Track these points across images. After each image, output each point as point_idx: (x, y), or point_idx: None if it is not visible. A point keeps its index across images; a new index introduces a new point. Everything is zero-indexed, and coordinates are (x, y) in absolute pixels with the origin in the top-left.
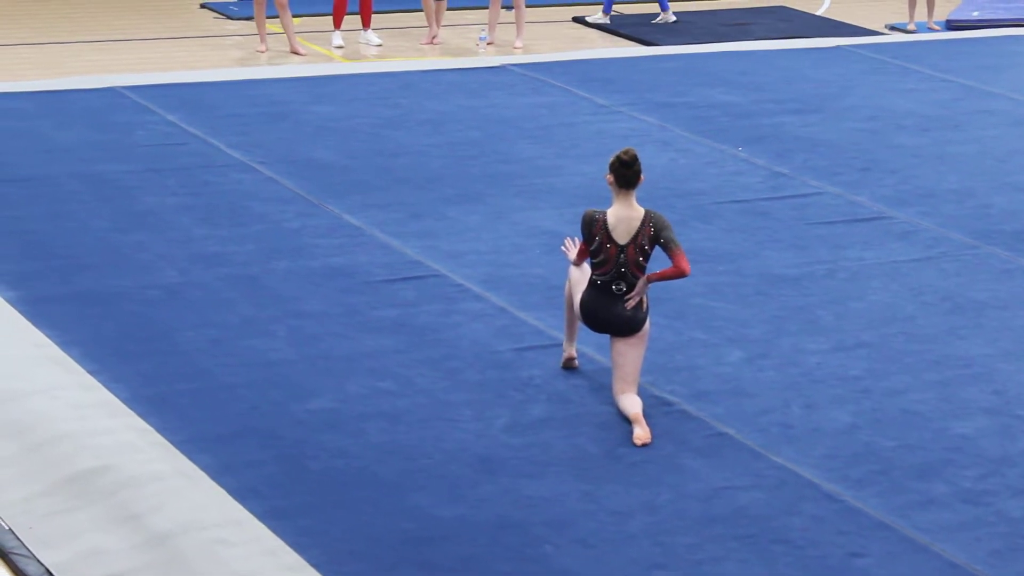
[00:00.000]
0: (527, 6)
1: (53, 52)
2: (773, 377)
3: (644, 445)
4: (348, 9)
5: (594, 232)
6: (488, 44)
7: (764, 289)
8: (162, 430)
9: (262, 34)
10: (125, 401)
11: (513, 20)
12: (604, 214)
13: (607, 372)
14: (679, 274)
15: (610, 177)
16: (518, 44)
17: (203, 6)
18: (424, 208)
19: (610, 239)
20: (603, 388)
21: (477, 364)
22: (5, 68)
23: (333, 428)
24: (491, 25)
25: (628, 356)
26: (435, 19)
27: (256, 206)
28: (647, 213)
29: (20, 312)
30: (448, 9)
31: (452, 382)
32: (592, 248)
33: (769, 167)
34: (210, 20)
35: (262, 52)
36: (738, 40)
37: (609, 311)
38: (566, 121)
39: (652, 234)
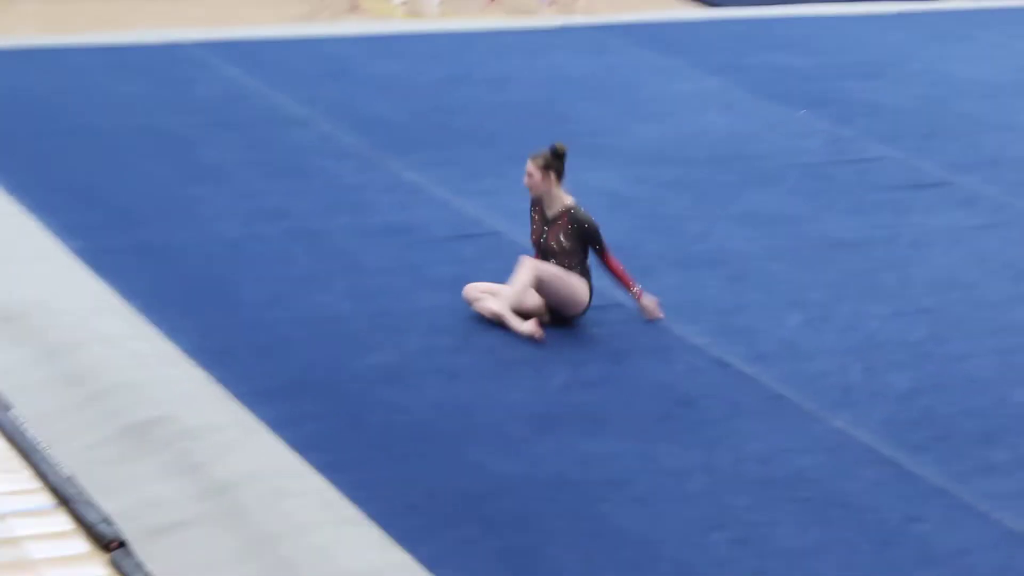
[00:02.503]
0: None
1: (115, 6)
2: (833, 341)
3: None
4: None
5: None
6: (550, 4)
7: (825, 253)
8: (223, 382)
9: None
10: (186, 352)
11: None
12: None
13: (666, 332)
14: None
15: (549, 173)
16: (580, 3)
17: None
18: (484, 166)
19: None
20: (662, 349)
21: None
22: (67, 23)
23: (392, 383)
24: None
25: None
26: None
27: (317, 161)
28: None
29: (83, 262)
30: None
31: (510, 339)
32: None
33: (831, 131)
34: None
35: (325, 8)
36: (803, 3)
37: None
38: (628, 81)
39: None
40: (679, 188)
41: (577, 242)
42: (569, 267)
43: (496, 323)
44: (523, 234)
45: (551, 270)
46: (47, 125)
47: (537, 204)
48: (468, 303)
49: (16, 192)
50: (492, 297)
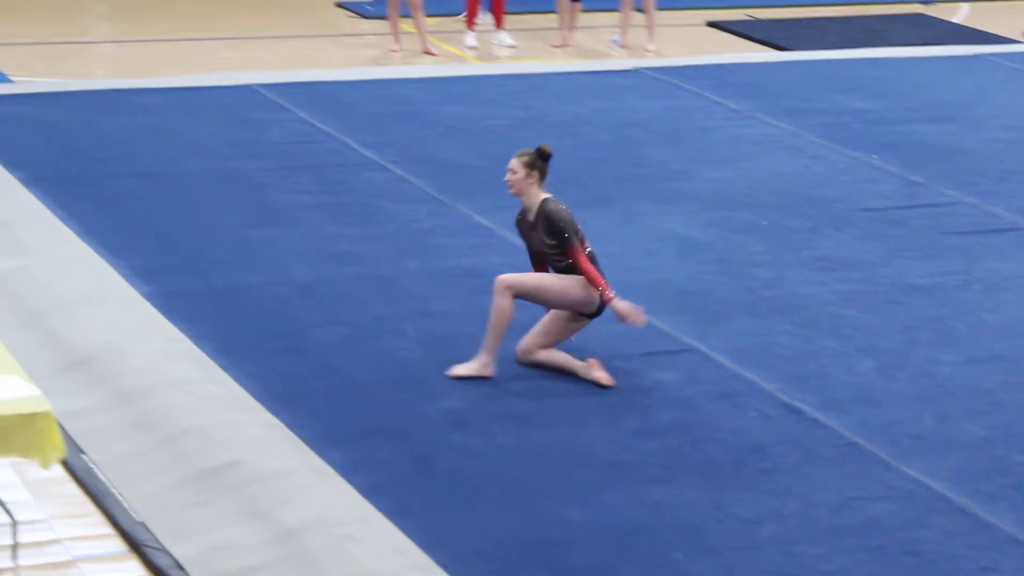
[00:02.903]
0: (659, 9)
1: (188, 49)
2: (905, 388)
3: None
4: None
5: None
6: (620, 47)
7: (897, 298)
8: (292, 426)
9: (396, 34)
10: (256, 396)
11: (645, 23)
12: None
13: (737, 379)
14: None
15: (535, 174)
16: (650, 47)
17: (338, 5)
18: None
19: None
20: (732, 396)
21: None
22: (141, 64)
23: (462, 428)
24: (623, 28)
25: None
26: (569, 22)
27: (388, 205)
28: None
29: (154, 306)
30: (581, 11)
31: (580, 386)
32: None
33: (903, 175)
34: (344, 19)
35: (395, 52)
36: (873, 46)
37: None
38: (698, 125)
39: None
40: (749, 233)
41: (557, 237)
42: (569, 268)
43: (565, 372)
44: None
45: (528, 281)
46: (120, 167)
47: (522, 217)
48: (524, 356)
49: (89, 235)
50: (547, 350)
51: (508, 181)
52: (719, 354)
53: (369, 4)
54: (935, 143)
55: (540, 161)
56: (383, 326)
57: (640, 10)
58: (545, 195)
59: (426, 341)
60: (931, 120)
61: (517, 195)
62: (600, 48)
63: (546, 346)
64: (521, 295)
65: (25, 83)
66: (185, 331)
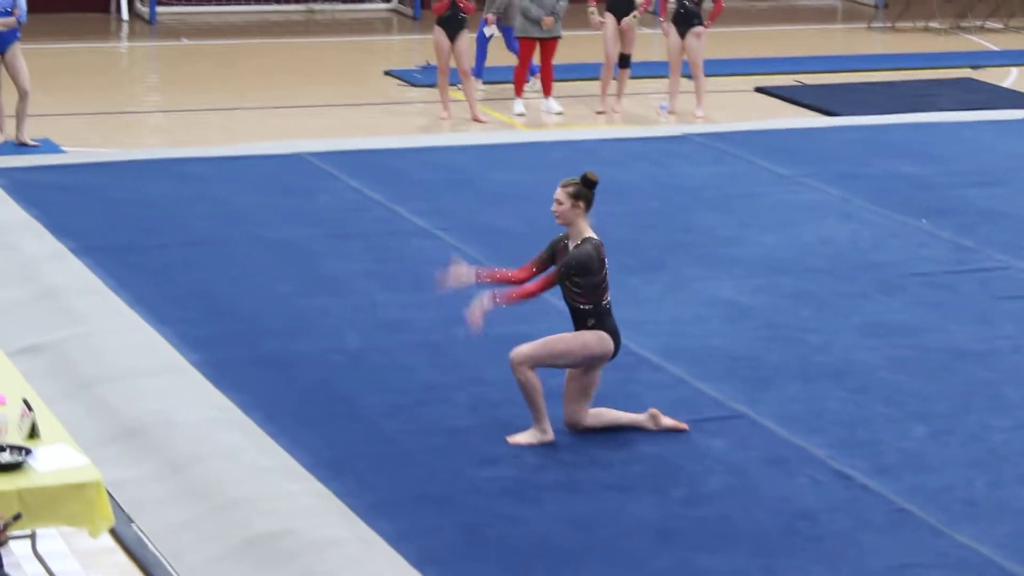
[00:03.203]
0: (707, 75)
1: (238, 118)
2: (957, 453)
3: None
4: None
5: (603, 256)
6: (669, 113)
7: (948, 363)
8: (342, 495)
9: (445, 101)
10: (306, 465)
11: (693, 89)
12: (597, 239)
13: (787, 445)
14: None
15: (580, 204)
16: (699, 113)
17: (387, 73)
18: None
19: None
20: (782, 461)
21: (655, 435)
22: (191, 133)
23: (511, 496)
24: (672, 94)
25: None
26: (619, 88)
27: (437, 272)
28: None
29: (204, 375)
30: (629, 78)
31: (629, 453)
32: (603, 274)
33: (953, 240)
34: (393, 87)
35: (445, 119)
36: (922, 111)
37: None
38: (748, 191)
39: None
40: (800, 298)
41: (587, 279)
42: (581, 316)
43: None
44: (643, 344)
45: (541, 352)
46: (170, 236)
47: (561, 242)
48: (574, 427)
49: (139, 304)
50: (593, 412)
51: (554, 212)
52: (769, 420)
53: (418, 72)
54: (985, 207)
55: (586, 190)
56: (433, 393)
57: (688, 76)
58: (590, 234)
59: (476, 408)
60: (981, 184)
61: (564, 224)
62: (649, 114)
63: (585, 406)
64: (538, 364)
65: (77, 153)
66: (234, 400)
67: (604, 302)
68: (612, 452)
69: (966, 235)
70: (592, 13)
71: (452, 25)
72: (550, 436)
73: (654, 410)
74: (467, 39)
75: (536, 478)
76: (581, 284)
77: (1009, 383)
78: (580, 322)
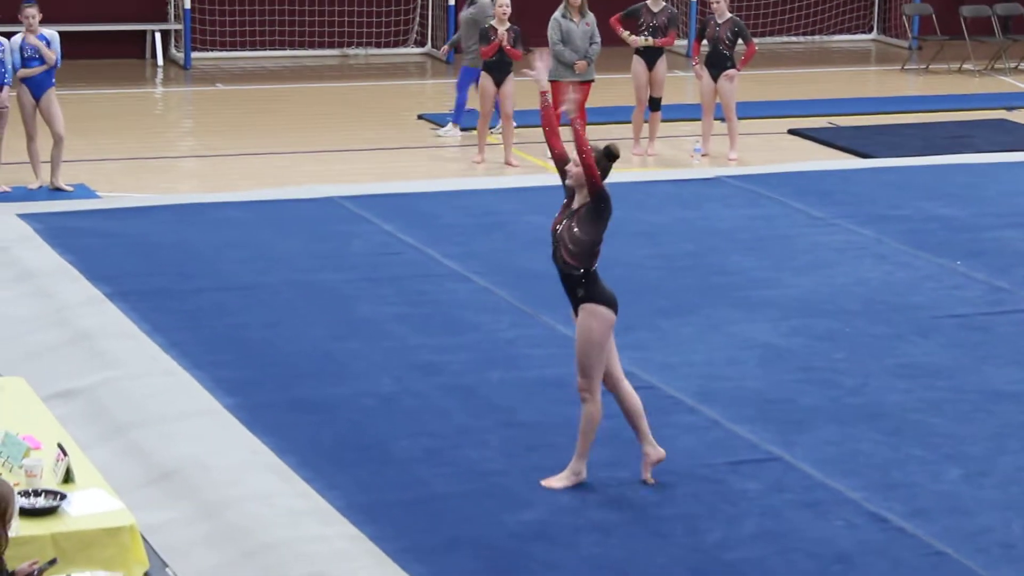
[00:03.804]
0: (740, 117)
1: (271, 163)
2: (993, 495)
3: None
4: (562, 121)
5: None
6: (702, 155)
7: (984, 406)
8: (376, 539)
9: (482, 146)
10: (340, 509)
11: (727, 132)
12: None
13: (822, 487)
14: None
15: (597, 172)
16: (732, 155)
17: (420, 117)
18: (638, 319)
19: None
20: (817, 504)
21: (690, 478)
22: (225, 178)
23: (545, 540)
24: (705, 136)
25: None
26: (650, 132)
27: (471, 316)
28: None
29: (238, 419)
30: (662, 121)
31: (664, 495)
32: (601, 237)
33: (989, 281)
34: (426, 131)
35: (479, 163)
36: (957, 152)
37: None
38: (781, 233)
39: None
40: (834, 340)
41: (590, 225)
42: (572, 267)
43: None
44: (678, 386)
45: (584, 373)
46: (205, 281)
47: (568, 200)
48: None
49: (174, 349)
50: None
51: (570, 172)
52: (804, 462)
53: (451, 115)
54: (1020, 249)
55: (606, 160)
56: (466, 437)
57: (721, 119)
58: None
59: (509, 451)
60: (1016, 225)
61: (576, 185)
62: (682, 157)
63: (618, 369)
64: (595, 382)
65: (112, 198)
66: (268, 443)
67: (593, 267)
68: (647, 494)
69: (1001, 277)
70: (628, 36)
71: (498, 70)
72: (583, 476)
73: (656, 457)
74: (513, 84)
75: (570, 521)
76: (581, 235)
77: None
78: (570, 290)
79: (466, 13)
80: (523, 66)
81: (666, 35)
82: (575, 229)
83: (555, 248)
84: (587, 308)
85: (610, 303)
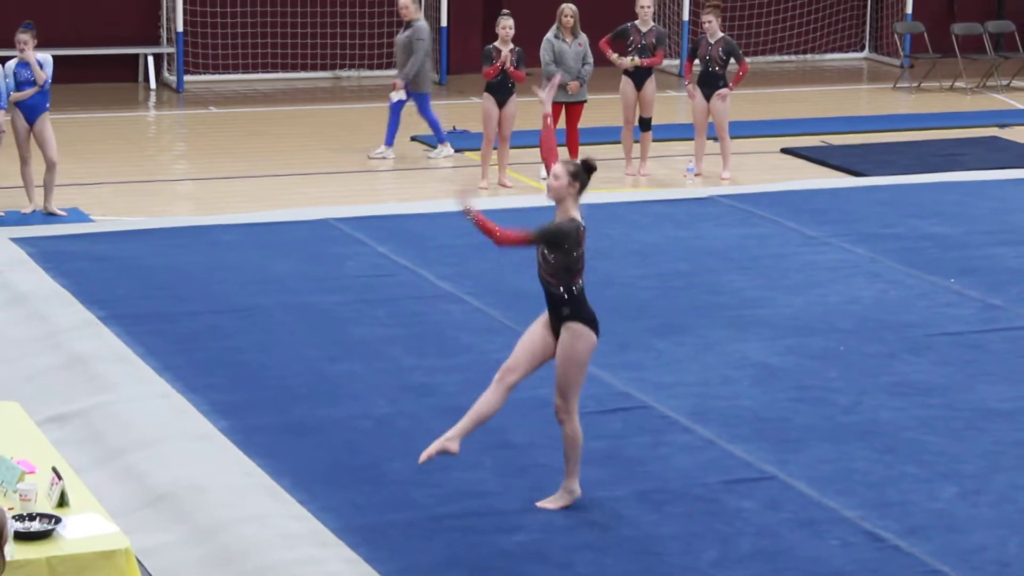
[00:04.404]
0: (732, 136)
1: (264, 185)
2: (988, 513)
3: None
4: (556, 141)
5: (581, 238)
6: (695, 175)
7: (978, 423)
8: (371, 560)
9: (485, 169)
10: (334, 531)
11: (719, 151)
12: (580, 219)
13: (817, 506)
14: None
15: (575, 184)
16: (725, 175)
17: (413, 139)
18: (632, 339)
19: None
20: (812, 523)
21: (684, 497)
22: (219, 201)
23: (540, 560)
24: (698, 156)
25: None
26: (642, 152)
27: (464, 337)
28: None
29: (232, 441)
30: (654, 141)
31: (659, 515)
32: (576, 254)
33: (982, 299)
34: (419, 152)
35: (484, 189)
36: (949, 170)
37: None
38: (775, 252)
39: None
40: (828, 359)
41: (554, 249)
42: (551, 285)
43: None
44: (672, 406)
45: (562, 393)
46: (199, 304)
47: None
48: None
49: (167, 372)
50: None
51: (549, 185)
52: (799, 481)
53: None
54: (1013, 266)
55: (584, 174)
56: (460, 458)
57: (714, 138)
58: (576, 214)
59: (503, 472)
60: (1008, 243)
61: (554, 200)
62: (675, 176)
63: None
64: (572, 404)
65: (105, 222)
66: (263, 466)
67: (575, 287)
68: (641, 514)
69: (994, 294)
70: (617, 58)
71: (501, 91)
72: (577, 493)
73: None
74: (515, 105)
75: (565, 541)
76: (553, 260)
77: None
78: (554, 308)
79: (401, 37)
80: (526, 88)
81: (654, 55)
82: (545, 250)
83: (537, 266)
84: (571, 328)
85: (593, 324)
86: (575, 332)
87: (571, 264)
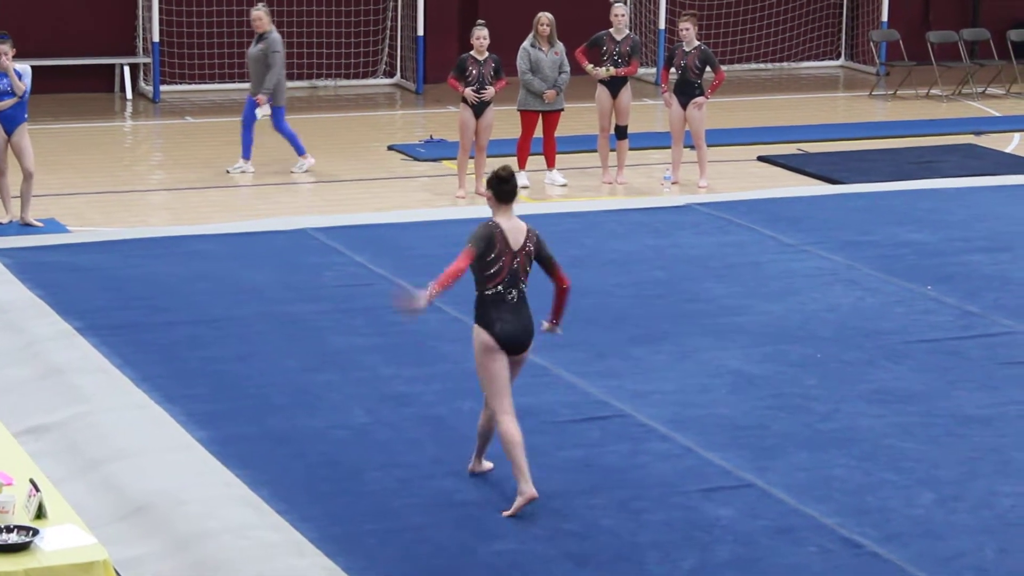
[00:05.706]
0: (709, 145)
1: (242, 195)
2: (966, 520)
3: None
4: (532, 149)
5: (495, 241)
6: (672, 183)
7: (955, 430)
8: (350, 570)
9: (462, 179)
10: (313, 541)
11: (696, 159)
12: (499, 224)
13: (796, 513)
14: (566, 291)
15: (489, 194)
16: (702, 183)
17: (390, 148)
18: (609, 348)
19: (507, 247)
20: (791, 530)
21: (663, 505)
22: (195, 211)
23: (519, 570)
24: (675, 164)
25: (517, 372)
26: (618, 160)
27: (442, 346)
28: (528, 227)
29: (211, 452)
30: (631, 149)
31: (638, 523)
32: (489, 259)
33: (959, 306)
34: (397, 162)
35: (462, 198)
36: (926, 178)
37: (523, 324)
38: (752, 260)
39: (534, 250)
40: (806, 366)
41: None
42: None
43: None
44: (650, 414)
45: (486, 393)
46: (176, 314)
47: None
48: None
49: (145, 383)
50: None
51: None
52: (777, 489)
53: (421, 147)
54: (989, 273)
55: (496, 184)
56: (439, 467)
57: (691, 146)
58: (501, 220)
59: (482, 482)
60: (985, 250)
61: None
62: (652, 185)
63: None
64: (499, 402)
65: (82, 232)
66: (241, 476)
67: (488, 291)
68: (621, 522)
69: (971, 301)
70: (591, 68)
71: (478, 103)
72: (530, 493)
73: (528, 498)
74: (492, 115)
75: (544, 550)
76: (475, 264)
77: (1017, 448)
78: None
79: (254, 50)
80: (502, 97)
81: (629, 63)
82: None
83: None
84: (475, 334)
85: (489, 329)
86: (473, 334)
87: (484, 267)
